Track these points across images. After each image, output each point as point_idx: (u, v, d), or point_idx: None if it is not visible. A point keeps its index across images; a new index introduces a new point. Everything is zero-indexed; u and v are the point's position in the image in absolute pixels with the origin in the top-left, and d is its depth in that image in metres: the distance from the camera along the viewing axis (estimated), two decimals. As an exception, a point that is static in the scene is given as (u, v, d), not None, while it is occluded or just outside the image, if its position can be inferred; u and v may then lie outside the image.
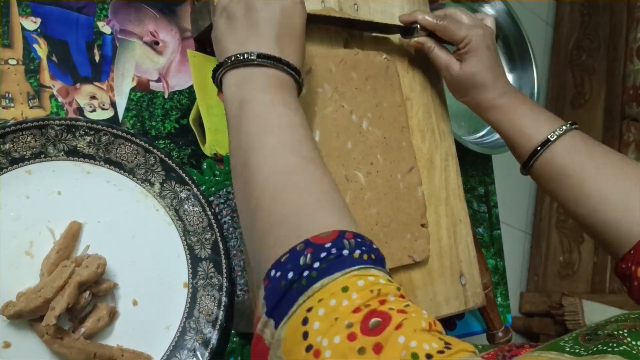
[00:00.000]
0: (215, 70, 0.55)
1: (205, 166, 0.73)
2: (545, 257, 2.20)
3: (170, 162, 0.67)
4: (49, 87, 0.66)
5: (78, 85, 0.68)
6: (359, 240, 0.42)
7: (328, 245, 0.41)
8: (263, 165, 0.48)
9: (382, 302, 0.38)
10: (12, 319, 0.59)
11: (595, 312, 1.88)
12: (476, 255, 0.79)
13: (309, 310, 0.38)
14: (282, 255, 0.42)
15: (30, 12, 0.66)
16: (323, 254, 0.40)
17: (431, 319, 0.38)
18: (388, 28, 0.73)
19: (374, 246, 0.44)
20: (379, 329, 0.36)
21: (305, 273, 0.40)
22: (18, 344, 0.59)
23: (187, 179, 0.68)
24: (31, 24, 0.66)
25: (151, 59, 0.73)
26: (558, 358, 0.42)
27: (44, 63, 0.67)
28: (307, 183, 0.47)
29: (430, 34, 0.72)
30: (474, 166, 0.98)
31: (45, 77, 0.66)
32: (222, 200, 0.73)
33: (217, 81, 0.55)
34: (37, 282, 0.61)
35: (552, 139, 0.65)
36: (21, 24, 0.66)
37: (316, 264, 0.40)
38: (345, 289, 0.38)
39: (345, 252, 0.41)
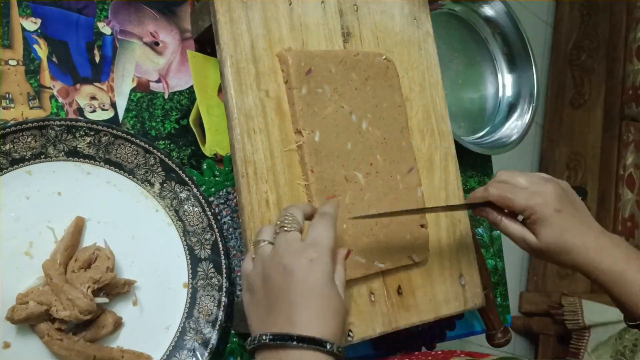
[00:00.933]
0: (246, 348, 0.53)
1: (205, 166, 0.73)
2: (544, 257, 2.20)
3: (170, 162, 0.67)
4: (49, 88, 0.66)
5: (78, 85, 0.68)
6: None
7: None
8: None
9: None
10: (18, 324, 0.59)
11: (595, 312, 1.88)
12: (475, 256, 0.79)
13: None
14: None
15: (30, 13, 0.66)
16: None
17: None
18: (457, 207, 0.73)
19: None
20: None
21: None
22: (18, 345, 0.59)
23: (187, 179, 0.68)
24: (31, 24, 0.66)
25: (151, 59, 0.73)
26: None
27: (44, 64, 0.67)
28: None
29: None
30: (474, 167, 0.99)
31: (46, 77, 0.67)
32: (222, 201, 0.73)
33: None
34: (36, 282, 0.61)
35: None
36: (21, 25, 0.66)
37: None
38: None
39: None
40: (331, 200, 0.61)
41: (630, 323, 0.65)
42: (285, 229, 0.54)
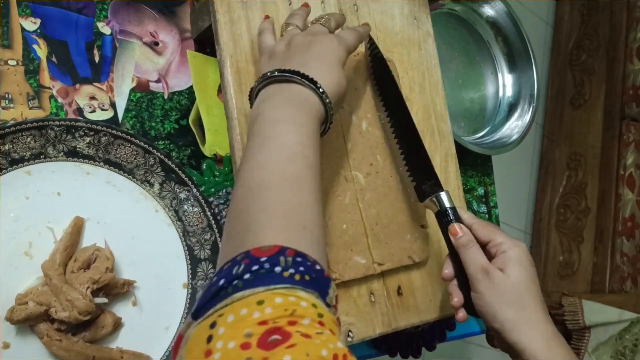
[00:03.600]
0: (250, 94, 0.57)
1: (204, 167, 0.73)
2: (545, 257, 2.21)
3: (169, 162, 0.67)
4: (49, 88, 0.66)
5: (78, 85, 0.68)
6: (298, 259, 0.42)
7: (263, 259, 0.41)
8: (245, 178, 0.49)
9: (292, 323, 0.37)
10: (17, 324, 0.59)
11: (595, 312, 1.88)
12: (476, 256, 0.79)
13: (220, 315, 0.39)
14: (225, 263, 0.43)
15: (30, 13, 0.66)
16: (255, 267, 0.41)
17: (343, 352, 0.36)
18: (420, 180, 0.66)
19: (317, 267, 0.43)
20: (273, 344, 0.35)
21: (234, 282, 0.40)
22: (17, 345, 0.59)
23: (186, 179, 0.68)
24: (31, 24, 0.66)
25: (151, 59, 0.72)
26: None
27: (44, 64, 0.67)
28: (273, 200, 0.47)
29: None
30: (474, 167, 0.98)
31: (45, 77, 0.66)
32: (222, 201, 0.73)
33: (252, 102, 0.57)
34: (35, 282, 0.61)
35: None
36: (21, 25, 0.66)
37: (246, 275, 0.40)
38: (260, 302, 0.39)
39: (278, 269, 0.41)
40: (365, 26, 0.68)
41: None
42: (320, 23, 0.61)
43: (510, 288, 0.58)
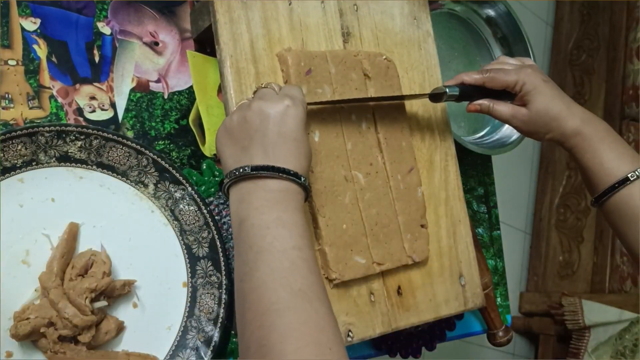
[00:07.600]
0: (220, 184, 0.56)
1: (204, 167, 0.73)
2: (545, 257, 2.20)
3: (163, 162, 0.67)
4: (49, 88, 0.66)
5: (77, 85, 0.68)
6: None
7: None
8: (251, 300, 0.48)
9: None
10: (23, 339, 0.59)
11: (595, 312, 1.88)
12: (476, 256, 0.79)
13: None
14: None
15: (30, 13, 0.66)
16: None
17: None
18: (414, 97, 0.73)
19: None
20: None
21: None
22: (20, 354, 0.59)
23: (180, 178, 0.67)
24: (31, 24, 0.66)
25: (151, 59, 0.72)
26: None
27: (44, 64, 0.67)
28: (290, 327, 0.46)
29: (478, 90, 0.72)
30: (474, 167, 0.98)
31: (45, 77, 0.66)
32: (222, 201, 0.73)
33: (226, 194, 0.56)
34: (35, 294, 0.60)
35: (631, 179, 0.65)
36: (21, 25, 0.66)
37: None
38: None
39: None
40: None
41: (594, 200, 0.69)
42: (263, 85, 0.59)
43: (536, 116, 0.70)
